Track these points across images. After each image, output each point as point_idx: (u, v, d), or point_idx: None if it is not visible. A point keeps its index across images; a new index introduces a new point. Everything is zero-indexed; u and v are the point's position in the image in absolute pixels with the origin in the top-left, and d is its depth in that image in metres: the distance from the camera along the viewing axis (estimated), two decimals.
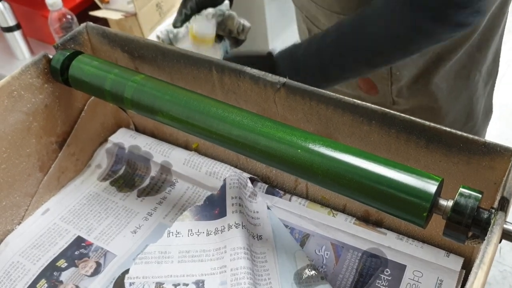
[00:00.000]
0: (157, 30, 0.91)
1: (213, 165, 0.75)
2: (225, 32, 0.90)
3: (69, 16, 1.27)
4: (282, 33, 1.83)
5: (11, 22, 1.33)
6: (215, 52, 0.90)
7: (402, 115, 0.54)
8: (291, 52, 0.76)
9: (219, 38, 0.91)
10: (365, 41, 0.70)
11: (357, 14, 0.71)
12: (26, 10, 1.37)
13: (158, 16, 1.43)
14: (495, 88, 1.03)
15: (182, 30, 0.87)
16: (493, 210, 0.44)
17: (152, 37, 1.37)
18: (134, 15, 1.34)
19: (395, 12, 0.67)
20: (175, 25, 0.86)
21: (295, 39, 1.50)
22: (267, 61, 0.76)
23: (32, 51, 1.40)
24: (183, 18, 0.85)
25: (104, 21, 1.35)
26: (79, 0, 1.37)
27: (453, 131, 0.51)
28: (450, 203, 0.45)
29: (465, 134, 0.51)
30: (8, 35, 1.35)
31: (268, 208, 0.70)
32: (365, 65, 0.73)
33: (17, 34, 1.36)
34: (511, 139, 1.96)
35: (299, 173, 0.53)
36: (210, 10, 0.85)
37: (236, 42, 0.93)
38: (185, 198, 0.75)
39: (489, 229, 0.43)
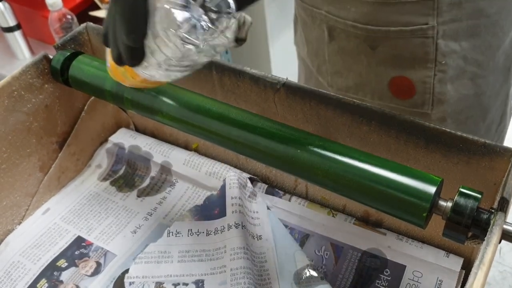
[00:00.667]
0: None
1: (213, 165, 0.75)
2: None
3: (69, 16, 1.27)
4: (282, 33, 1.83)
5: (11, 22, 1.33)
6: None
7: (402, 115, 0.54)
8: None
9: None
10: None
11: None
12: (26, 10, 1.37)
13: None
14: None
15: None
16: (493, 211, 0.44)
17: None
18: None
19: None
20: None
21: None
22: None
23: (32, 51, 1.40)
24: None
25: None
26: (79, 0, 1.37)
27: (453, 131, 0.51)
28: (449, 203, 0.45)
29: (464, 135, 0.51)
30: (8, 35, 1.35)
31: (268, 208, 0.71)
32: None
33: (17, 34, 1.35)
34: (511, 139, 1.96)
35: (299, 174, 0.53)
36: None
37: (236, 40, 0.87)
38: (185, 198, 0.75)
39: (489, 229, 0.43)
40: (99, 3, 1.36)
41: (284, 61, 1.73)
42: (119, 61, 0.49)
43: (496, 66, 0.79)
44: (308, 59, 0.89)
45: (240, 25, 0.84)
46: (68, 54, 0.68)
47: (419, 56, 0.74)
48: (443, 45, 0.74)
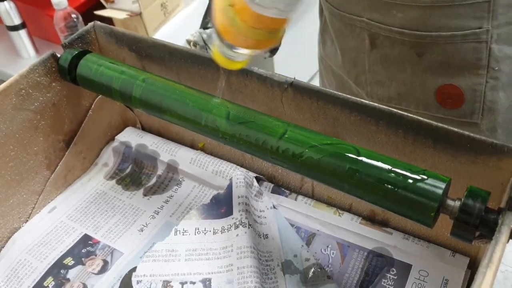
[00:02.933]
0: (187, 35, 0.80)
1: (219, 164, 0.76)
2: None
3: (74, 15, 1.27)
4: (286, 34, 1.83)
5: (16, 21, 1.33)
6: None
7: (410, 115, 0.54)
8: None
9: None
10: None
11: None
12: (31, 9, 1.37)
13: (163, 16, 1.43)
14: None
15: None
16: (501, 210, 0.44)
17: (157, 36, 1.38)
18: (139, 14, 1.34)
19: None
20: (205, 27, 0.77)
21: (299, 40, 1.50)
22: None
23: (37, 50, 1.40)
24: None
25: (109, 21, 1.35)
26: None
27: (460, 131, 0.51)
28: (457, 203, 0.45)
29: (472, 135, 0.51)
30: (13, 34, 1.35)
31: (274, 207, 0.71)
32: None
33: (22, 33, 1.36)
34: None
35: (306, 173, 0.53)
36: None
37: (271, 50, 0.82)
38: (191, 197, 0.75)
39: (497, 229, 0.43)
40: (104, 2, 1.36)
41: (286, 61, 1.73)
42: None
43: None
44: (344, 70, 0.84)
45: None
46: (76, 52, 0.69)
47: (470, 62, 0.71)
48: (496, 50, 0.70)
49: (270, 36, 0.47)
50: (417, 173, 0.46)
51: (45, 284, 0.66)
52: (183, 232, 0.67)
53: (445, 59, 0.71)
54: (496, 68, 0.71)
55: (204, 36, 0.80)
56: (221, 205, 0.70)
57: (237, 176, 0.72)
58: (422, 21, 0.69)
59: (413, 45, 0.70)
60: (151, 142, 0.81)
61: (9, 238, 0.72)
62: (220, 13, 0.47)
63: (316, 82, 1.09)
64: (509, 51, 0.70)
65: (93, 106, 0.78)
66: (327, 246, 0.67)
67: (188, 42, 0.81)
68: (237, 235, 0.66)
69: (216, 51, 0.50)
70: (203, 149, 0.80)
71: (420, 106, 0.76)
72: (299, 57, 1.65)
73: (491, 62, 0.70)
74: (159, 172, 0.79)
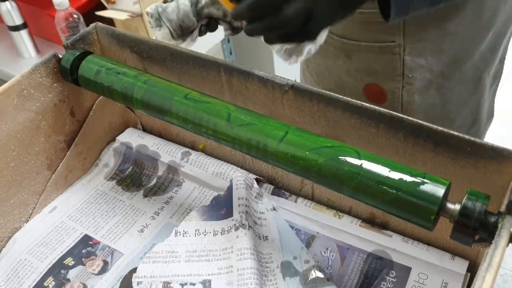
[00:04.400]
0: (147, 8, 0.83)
1: (220, 166, 0.76)
2: (219, 12, 0.81)
3: (75, 16, 1.27)
4: None
5: (18, 21, 1.33)
6: None
7: (410, 118, 0.54)
8: None
9: (211, 22, 0.81)
10: None
11: None
12: (33, 9, 1.37)
13: None
14: (501, 90, 1.00)
15: (172, 4, 0.81)
16: (501, 214, 0.45)
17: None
18: (140, 15, 1.34)
19: None
20: (165, 1, 0.81)
21: None
22: None
23: (38, 50, 1.41)
24: None
25: (109, 21, 1.36)
26: (86, 0, 1.38)
27: (461, 135, 0.52)
28: (457, 206, 0.45)
29: (472, 138, 0.51)
30: (15, 34, 1.36)
31: (274, 209, 0.71)
32: None
33: (24, 33, 1.36)
34: None
35: (307, 175, 0.53)
36: None
37: (232, 28, 0.87)
38: (191, 198, 0.76)
39: (497, 232, 0.43)
40: (105, 3, 1.37)
41: (287, 64, 1.73)
42: None
43: (462, 78, 0.84)
44: None
45: None
46: (78, 53, 0.69)
47: (388, 69, 0.81)
48: (409, 61, 0.79)
49: None
50: (417, 176, 0.47)
51: (45, 284, 0.67)
52: (183, 234, 0.68)
53: (368, 64, 0.81)
54: (410, 76, 0.81)
55: (160, 9, 0.81)
56: (221, 207, 0.70)
57: (237, 177, 0.72)
58: (346, 30, 0.78)
59: (342, 49, 0.80)
60: (152, 143, 0.81)
61: (10, 238, 0.72)
62: None
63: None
64: (421, 61, 0.79)
65: (94, 107, 0.78)
66: (327, 249, 0.67)
67: (147, 13, 0.82)
68: (237, 236, 0.66)
69: None
70: (204, 151, 0.80)
71: (353, 98, 0.85)
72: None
73: (405, 70, 0.81)
74: (160, 173, 0.79)
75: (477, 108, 0.91)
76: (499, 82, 0.96)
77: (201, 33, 0.83)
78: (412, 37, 0.78)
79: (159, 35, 0.82)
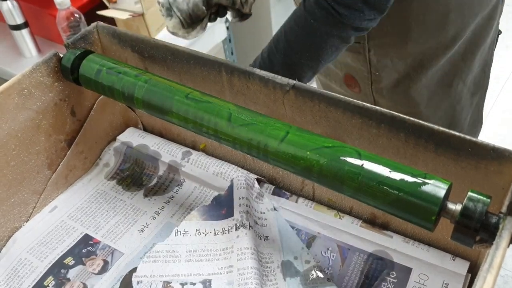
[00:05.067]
0: None
1: (221, 166, 0.76)
2: (228, 1, 0.85)
3: (77, 15, 1.27)
4: None
5: (19, 20, 1.33)
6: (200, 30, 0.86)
7: (412, 118, 0.54)
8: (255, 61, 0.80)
9: (220, 9, 0.86)
10: (283, 48, 0.75)
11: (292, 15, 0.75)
12: (34, 8, 1.37)
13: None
14: (503, 96, 1.03)
15: None
16: (502, 215, 0.45)
17: (160, 37, 1.38)
18: (141, 15, 1.34)
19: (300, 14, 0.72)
20: None
21: None
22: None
23: (39, 50, 1.41)
24: None
25: (111, 21, 1.36)
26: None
27: (462, 135, 0.52)
28: (458, 207, 0.45)
29: (473, 139, 0.51)
30: (16, 33, 1.36)
31: (275, 209, 0.71)
32: (292, 73, 0.75)
33: (25, 32, 1.36)
34: None
35: (307, 175, 0.53)
36: None
37: (241, 15, 0.89)
38: (192, 198, 0.75)
39: (498, 233, 0.43)
40: (106, 3, 1.37)
41: None
42: None
43: (429, 82, 0.89)
44: None
45: (243, 2, 0.85)
46: (79, 53, 0.69)
47: (358, 65, 0.89)
48: (375, 61, 0.87)
49: None
50: (418, 176, 0.47)
51: (45, 283, 0.67)
52: (183, 233, 0.67)
53: (344, 58, 0.90)
54: (377, 73, 0.89)
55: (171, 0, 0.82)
56: (222, 207, 0.70)
57: (238, 177, 0.72)
58: None
59: None
60: (153, 143, 0.81)
61: (10, 237, 0.72)
62: None
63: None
64: (387, 62, 0.86)
65: (95, 106, 0.78)
66: (328, 249, 0.67)
67: (158, 3, 0.84)
68: (238, 236, 0.66)
69: None
70: (205, 150, 0.80)
71: (337, 83, 0.97)
72: None
73: (372, 69, 0.88)
74: (160, 172, 0.79)
75: (452, 114, 0.95)
76: (484, 92, 1.01)
77: (210, 20, 0.86)
78: (376, 41, 0.85)
79: (170, 25, 0.83)
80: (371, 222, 0.68)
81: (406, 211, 0.47)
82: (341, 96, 0.58)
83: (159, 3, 0.84)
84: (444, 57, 0.87)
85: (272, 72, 0.63)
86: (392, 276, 0.63)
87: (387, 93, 0.91)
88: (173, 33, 0.88)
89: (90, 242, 0.71)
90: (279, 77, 0.62)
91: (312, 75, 0.77)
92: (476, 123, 1.03)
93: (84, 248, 0.70)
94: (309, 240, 0.68)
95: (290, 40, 0.74)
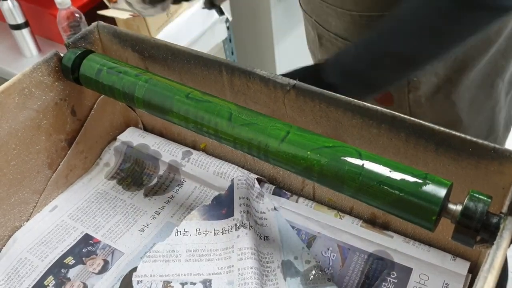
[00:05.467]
0: None
1: (221, 165, 0.76)
2: None
3: (77, 15, 1.27)
4: (288, 36, 1.84)
5: (20, 19, 1.33)
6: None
7: (412, 118, 0.54)
8: (338, 57, 0.72)
9: None
10: (407, 38, 0.67)
11: (395, 14, 0.68)
12: (35, 8, 1.37)
13: (165, 16, 1.43)
14: None
15: None
16: (502, 215, 0.44)
17: (160, 37, 1.38)
18: None
19: (430, 5, 0.64)
20: None
21: (301, 42, 1.50)
22: (314, 70, 0.72)
23: (39, 49, 1.41)
24: None
25: (111, 20, 1.36)
26: None
27: (462, 135, 0.51)
28: (459, 207, 0.45)
29: (474, 139, 0.51)
30: (16, 32, 1.36)
31: (275, 209, 0.71)
32: (411, 64, 0.68)
33: (25, 31, 1.36)
34: None
35: (308, 175, 0.53)
36: None
37: (210, 2, 0.88)
38: (192, 198, 0.75)
39: (498, 234, 0.43)
40: (107, 2, 1.36)
41: (289, 62, 1.73)
42: None
43: (471, 84, 0.82)
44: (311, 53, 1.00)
45: None
46: (79, 52, 0.69)
47: None
48: None
49: None
50: (419, 176, 0.47)
51: (45, 283, 0.67)
52: (184, 233, 0.67)
53: None
54: (416, 79, 0.79)
55: None
56: (222, 206, 0.70)
57: (238, 177, 0.72)
58: (350, 32, 0.77)
59: None
60: (153, 143, 0.81)
61: (10, 236, 0.72)
62: None
63: None
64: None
65: (95, 106, 0.78)
66: (328, 249, 0.67)
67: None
68: (238, 236, 0.66)
69: None
70: (205, 150, 0.80)
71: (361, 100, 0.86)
72: (302, 59, 1.65)
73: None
74: (161, 172, 0.79)
75: (492, 116, 0.89)
76: None
77: (174, 2, 0.85)
78: None
79: None
80: (372, 222, 0.68)
81: (407, 211, 0.47)
82: (342, 96, 0.58)
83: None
84: (487, 55, 0.80)
85: (374, 63, 0.60)
86: (393, 276, 0.63)
87: (426, 101, 0.83)
88: (129, 3, 0.85)
89: (90, 241, 0.71)
90: (280, 76, 0.62)
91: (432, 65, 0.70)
92: (509, 124, 0.96)
93: (85, 248, 0.70)
94: (310, 240, 0.68)
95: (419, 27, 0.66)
